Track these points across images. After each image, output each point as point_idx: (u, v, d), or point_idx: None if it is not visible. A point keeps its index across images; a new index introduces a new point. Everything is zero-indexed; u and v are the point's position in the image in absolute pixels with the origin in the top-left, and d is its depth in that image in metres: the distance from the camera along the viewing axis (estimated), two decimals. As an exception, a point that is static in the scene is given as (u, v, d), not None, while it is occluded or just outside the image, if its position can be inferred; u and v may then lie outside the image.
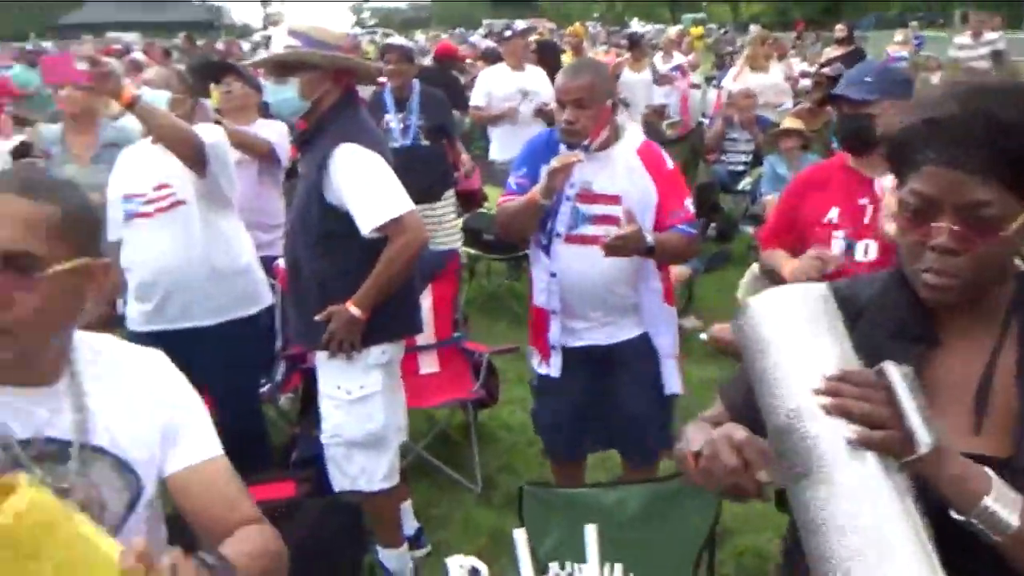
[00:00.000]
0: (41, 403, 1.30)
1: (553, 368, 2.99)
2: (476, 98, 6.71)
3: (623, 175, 2.84)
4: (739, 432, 1.15)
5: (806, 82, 13.62)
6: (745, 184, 7.19)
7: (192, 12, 52.02)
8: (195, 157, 2.96)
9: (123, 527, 1.35)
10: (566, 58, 9.62)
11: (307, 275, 2.84)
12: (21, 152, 7.60)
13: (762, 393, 1.13)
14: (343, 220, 2.72)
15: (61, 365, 1.34)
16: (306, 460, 3.47)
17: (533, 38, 10.66)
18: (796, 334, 1.12)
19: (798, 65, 14.65)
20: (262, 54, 10.78)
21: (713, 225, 7.51)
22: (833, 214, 2.66)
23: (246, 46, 28.51)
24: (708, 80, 14.11)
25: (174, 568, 1.03)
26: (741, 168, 7.78)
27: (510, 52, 6.76)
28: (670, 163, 2.94)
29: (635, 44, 9.46)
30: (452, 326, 4.10)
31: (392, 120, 5.27)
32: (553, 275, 2.90)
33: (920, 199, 1.15)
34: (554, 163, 2.72)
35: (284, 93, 2.77)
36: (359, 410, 2.86)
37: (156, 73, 3.30)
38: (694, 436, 1.24)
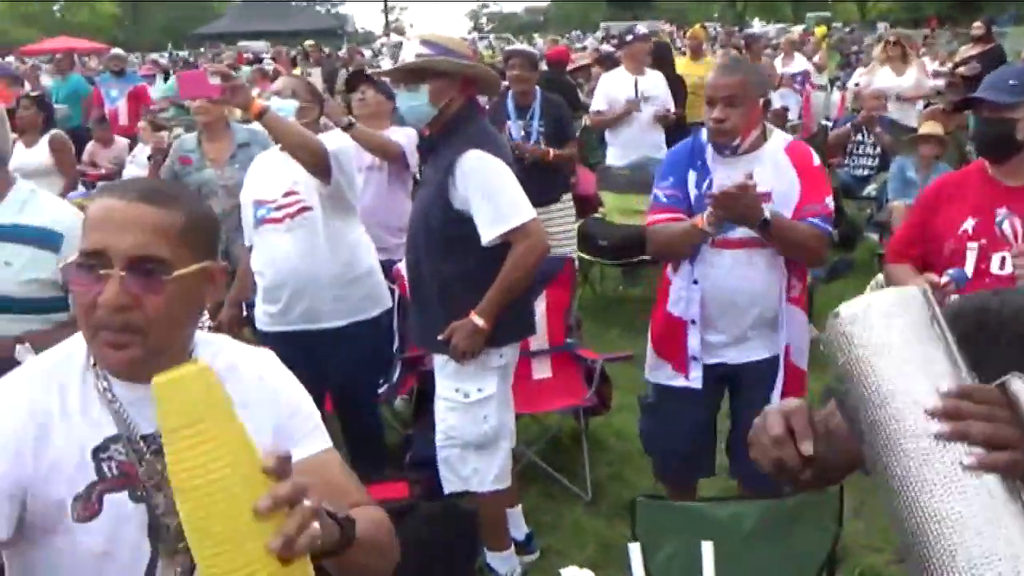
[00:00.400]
0: None
1: (694, 380, 2.87)
2: (596, 103, 6.70)
3: (772, 173, 2.74)
4: (792, 402, 1.07)
5: (938, 82, 13.07)
6: (870, 190, 6.93)
7: (318, 20, 53.86)
8: (320, 166, 3.07)
9: None
10: (683, 61, 9.49)
11: (429, 278, 2.90)
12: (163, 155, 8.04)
13: (858, 409, 1.02)
14: (466, 225, 2.78)
15: (182, 362, 1.40)
16: (420, 462, 3.54)
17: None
18: (898, 345, 1.00)
19: (930, 64, 14.05)
20: (383, 60, 11.04)
21: (835, 231, 7.26)
22: (968, 225, 2.53)
23: (368, 53, 29.32)
24: (832, 81, 13.67)
25: (312, 513, 1.05)
26: (867, 172, 7.50)
27: (630, 56, 6.72)
28: (817, 160, 2.84)
29: (750, 45, 9.21)
30: (565, 332, 4.11)
31: (513, 126, 5.32)
32: (695, 282, 2.81)
33: None
34: (730, 188, 2.59)
35: (413, 100, 2.83)
36: (475, 412, 2.90)
37: (284, 83, 3.44)
38: None
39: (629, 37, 7.22)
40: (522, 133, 5.31)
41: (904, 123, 7.97)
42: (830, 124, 9.20)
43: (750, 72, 2.83)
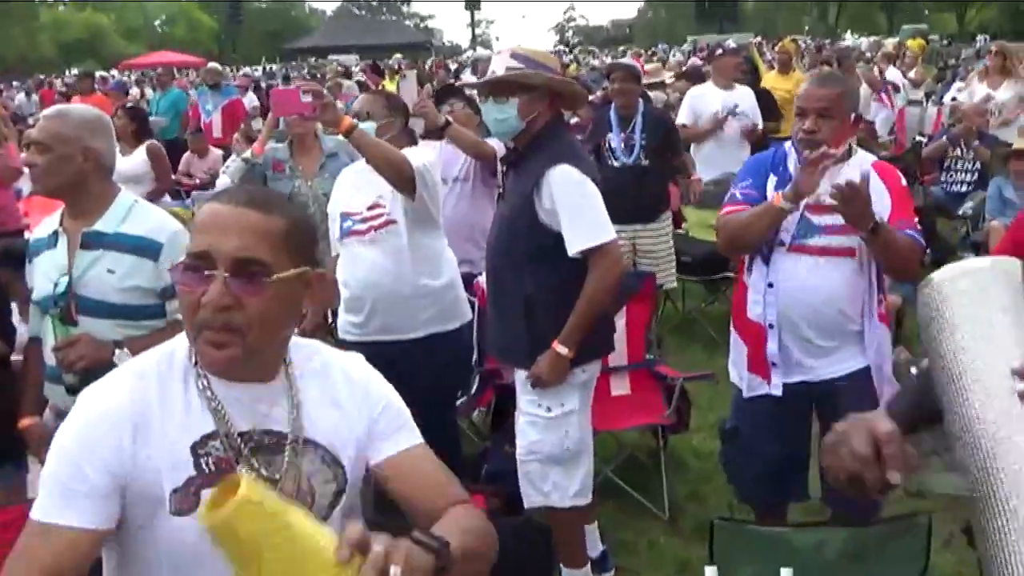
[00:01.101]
0: (261, 398, 1.42)
1: (774, 387, 2.81)
2: (682, 116, 6.67)
3: None
4: (885, 424, 1.03)
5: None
6: (967, 208, 6.69)
7: (407, 34, 54.89)
8: (406, 183, 3.12)
9: (330, 515, 1.45)
10: (772, 75, 9.33)
11: (511, 292, 2.92)
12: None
13: (944, 387, 0.98)
14: (552, 239, 2.80)
15: (279, 364, 1.46)
16: (496, 474, 3.56)
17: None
18: (988, 310, 0.96)
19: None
20: (467, 74, 11.15)
21: (929, 251, 7.03)
22: None
23: (453, 66, 29.64)
24: (928, 95, 13.25)
25: (387, 554, 1.07)
26: (964, 189, 7.24)
27: (719, 70, 6.66)
28: (904, 180, 2.80)
29: (841, 60, 8.97)
30: (645, 349, 4.08)
31: (615, 139, 5.32)
32: (770, 285, 2.76)
33: None
34: (811, 156, 2.58)
35: (501, 114, 2.85)
36: (557, 427, 2.91)
37: (358, 104, 3.48)
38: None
39: (719, 51, 7.16)
40: (623, 145, 5.30)
41: (1005, 139, 7.67)
42: (924, 140, 8.92)
43: (845, 86, 2.80)
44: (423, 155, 3.26)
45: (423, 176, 3.15)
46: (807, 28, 58.76)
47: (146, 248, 2.51)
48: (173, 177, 7.27)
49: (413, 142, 3.54)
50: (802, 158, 2.69)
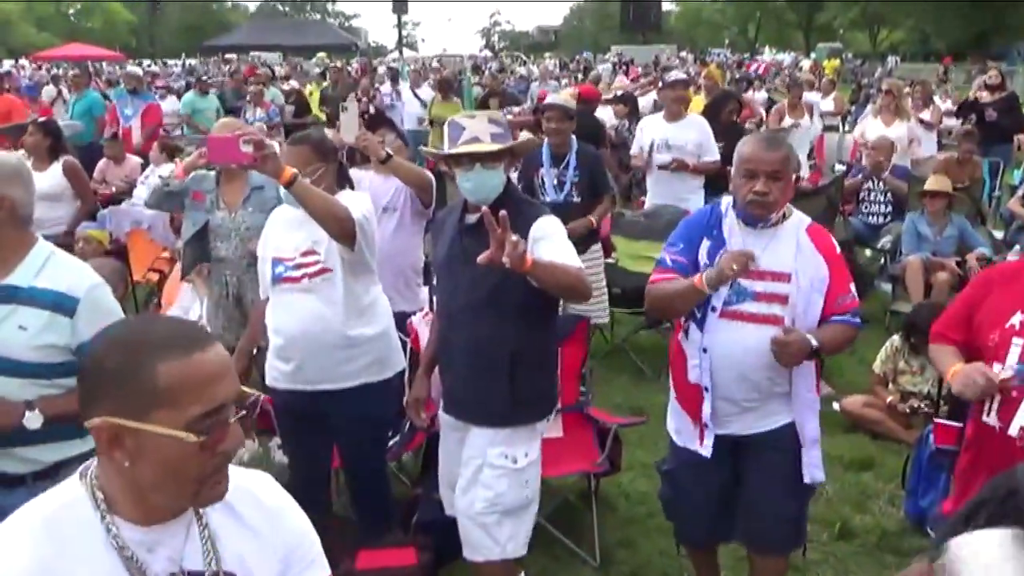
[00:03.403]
0: (176, 534, 1.36)
1: (705, 448, 2.87)
2: (634, 146, 6.73)
3: (793, 252, 2.75)
4: None
5: (952, 122, 13.03)
6: (884, 242, 6.89)
7: (332, 35, 54.02)
8: (346, 234, 3.04)
9: None
10: (698, 100, 9.47)
11: (494, 347, 2.85)
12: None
13: None
14: (543, 296, 2.77)
15: None
16: (428, 525, 3.50)
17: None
18: None
19: (943, 104, 14.01)
20: (404, 83, 10.98)
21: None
22: (1016, 319, 2.45)
23: (380, 69, 29.31)
24: (844, 119, 13.63)
25: None
26: (880, 221, 7.46)
27: (664, 101, 6.67)
28: (838, 247, 2.85)
29: (793, 87, 9.08)
30: (578, 391, 4.06)
31: (547, 175, 5.31)
32: (704, 350, 2.80)
33: None
34: (730, 258, 2.64)
35: (493, 179, 2.85)
36: (520, 477, 2.90)
37: (291, 153, 3.22)
38: None
39: (670, 77, 7.14)
40: (555, 182, 5.29)
41: (907, 167, 7.95)
42: (842, 168, 9.18)
43: (788, 148, 2.84)
44: (362, 203, 3.18)
45: (363, 227, 3.08)
46: (727, 42, 60.13)
47: (62, 305, 2.38)
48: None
49: (346, 181, 3.44)
50: (752, 217, 2.74)
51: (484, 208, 2.55)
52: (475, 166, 2.81)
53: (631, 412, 5.06)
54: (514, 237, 2.46)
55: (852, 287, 2.79)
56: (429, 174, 4.35)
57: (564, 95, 5.53)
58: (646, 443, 4.55)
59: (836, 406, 5.02)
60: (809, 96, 11.43)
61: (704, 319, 2.78)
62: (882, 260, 7.07)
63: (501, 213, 2.45)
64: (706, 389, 2.81)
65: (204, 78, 15.82)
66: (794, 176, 2.85)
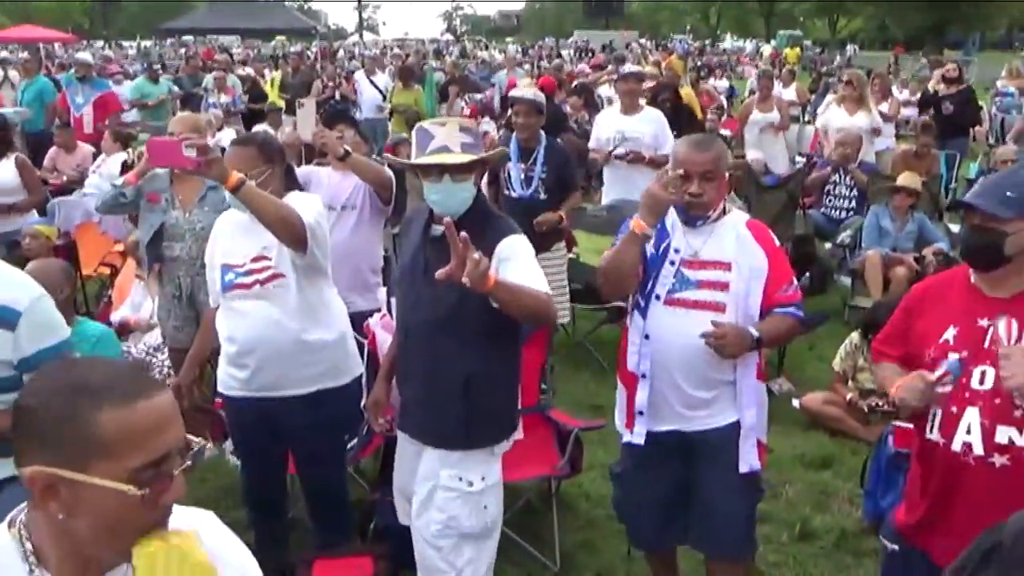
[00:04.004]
0: None
1: (636, 436, 2.89)
2: (592, 140, 6.68)
3: (734, 244, 2.82)
4: None
5: (908, 111, 13.19)
6: (844, 237, 6.93)
7: (291, 18, 53.29)
8: (297, 239, 2.95)
9: None
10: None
11: (451, 369, 2.76)
12: (126, 170, 7.85)
13: None
14: (503, 317, 2.63)
15: None
16: (386, 530, 3.44)
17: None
18: None
19: (898, 93, 14.16)
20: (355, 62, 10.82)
21: (808, 275, 7.27)
22: (950, 334, 2.42)
23: (340, 52, 28.95)
24: (804, 107, 13.73)
25: None
26: (843, 215, 7.48)
27: (619, 94, 6.62)
28: (778, 242, 2.92)
29: (762, 78, 9.04)
30: (538, 393, 4.02)
31: (514, 169, 5.24)
32: (647, 337, 2.83)
33: None
34: (653, 187, 2.70)
35: (463, 191, 2.73)
36: (478, 501, 2.81)
37: (236, 155, 3.13)
38: None
39: (624, 69, 7.11)
40: (522, 177, 5.22)
41: (873, 162, 8.01)
42: (802, 161, 9.22)
43: (721, 147, 2.87)
44: (312, 206, 3.09)
45: (314, 231, 2.99)
46: (688, 28, 60.34)
47: (3, 318, 2.28)
48: (38, 174, 6.79)
49: (294, 183, 3.34)
50: (689, 217, 2.80)
51: (447, 220, 2.44)
52: (443, 177, 2.68)
53: (592, 409, 5.05)
54: (476, 254, 2.35)
55: (795, 280, 2.86)
56: (389, 171, 4.27)
57: (531, 88, 5.43)
58: (608, 443, 4.51)
59: (796, 403, 5.04)
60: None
61: (647, 306, 2.83)
62: (843, 254, 7.10)
63: (462, 234, 2.34)
64: (643, 376, 2.84)
65: (158, 63, 15.51)
66: (727, 174, 2.88)
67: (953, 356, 2.38)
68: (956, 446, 2.32)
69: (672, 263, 2.81)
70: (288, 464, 3.44)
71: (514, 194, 5.18)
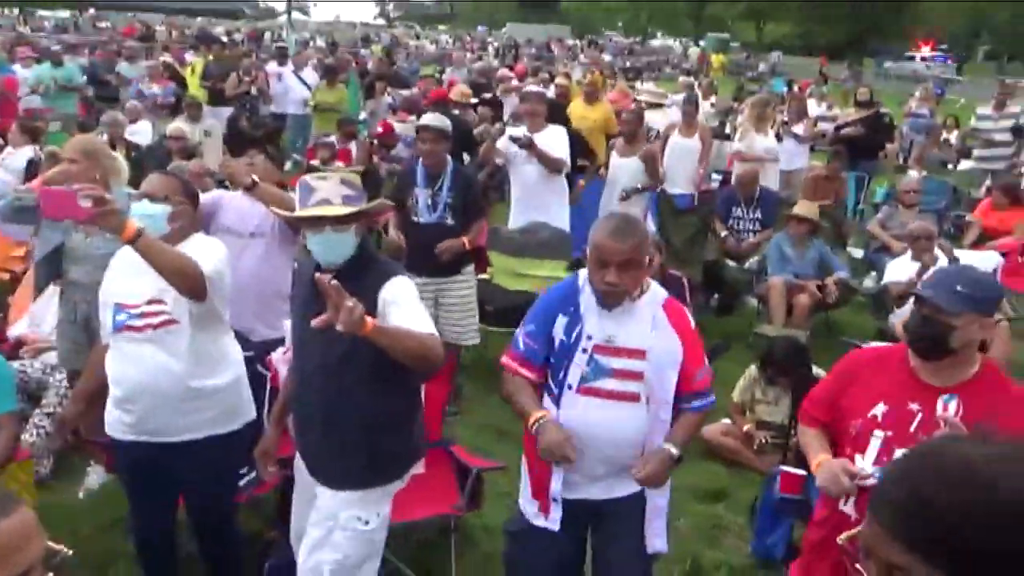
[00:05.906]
0: None
1: (552, 522, 2.88)
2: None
3: (649, 329, 2.77)
4: None
5: (826, 126, 13.55)
6: (751, 263, 7.12)
7: (217, -4, 51.79)
8: (195, 291, 2.92)
9: None
10: (579, 104, 9.50)
11: (346, 414, 2.79)
12: (32, 170, 7.57)
13: None
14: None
15: None
16: (279, 568, 3.42)
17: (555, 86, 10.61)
18: None
19: (816, 108, 14.53)
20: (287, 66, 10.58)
21: (716, 296, 7.44)
22: (879, 411, 2.48)
23: (268, 35, 28.23)
24: (726, 114, 13.95)
25: None
26: (750, 237, 7.69)
27: (525, 113, 6.65)
28: (692, 321, 2.89)
29: (686, 104, 9.06)
30: (441, 428, 4.04)
31: (421, 194, 5.22)
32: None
33: None
34: (555, 445, 2.64)
35: (343, 243, 2.78)
36: (370, 537, 2.87)
37: (158, 182, 3.15)
38: None
39: (527, 88, 7.16)
40: (429, 202, 5.21)
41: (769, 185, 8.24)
42: (718, 180, 9.42)
43: (642, 234, 2.78)
44: (214, 253, 3.05)
45: (213, 281, 2.96)
46: (620, 25, 60.85)
47: None
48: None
49: (198, 226, 3.31)
50: (604, 304, 2.75)
51: (316, 275, 2.47)
52: (325, 228, 2.73)
53: (498, 434, 5.08)
54: (350, 302, 2.37)
55: (706, 363, 2.85)
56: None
57: (436, 117, 5.40)
58: (509, 472, 4.55)
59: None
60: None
61: (560, 395, 2.79)
62: (748, 276, 7.28)
63: (333, 282, 2.37)
64: (556, 464, 2.78)
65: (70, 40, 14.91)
66: (647, 259, 2.80)
67: (878, 434, 2.45)
68: None
69: (584, 351, 2.74)
70: (177, 504, 3.39)
71: (421, 220, 5.18)
